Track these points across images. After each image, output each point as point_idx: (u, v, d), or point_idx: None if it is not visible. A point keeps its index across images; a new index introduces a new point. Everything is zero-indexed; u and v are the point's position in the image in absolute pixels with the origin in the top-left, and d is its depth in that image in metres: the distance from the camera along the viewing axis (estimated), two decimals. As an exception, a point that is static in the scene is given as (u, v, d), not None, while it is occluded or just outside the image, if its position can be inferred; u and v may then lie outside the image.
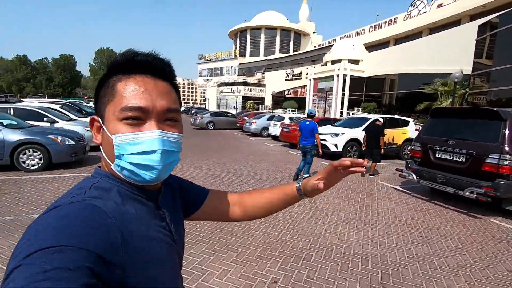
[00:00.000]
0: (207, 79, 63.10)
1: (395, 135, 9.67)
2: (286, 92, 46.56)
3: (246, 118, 17.76)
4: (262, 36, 57.52)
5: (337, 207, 4.88)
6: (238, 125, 19.14)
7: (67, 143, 6.44)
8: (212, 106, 56.05)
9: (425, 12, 30.49)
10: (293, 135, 11.44)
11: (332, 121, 12.09)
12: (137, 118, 0.57)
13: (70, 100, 30.26)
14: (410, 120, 10.36)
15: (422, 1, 31.94)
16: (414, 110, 18.62)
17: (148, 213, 0.62)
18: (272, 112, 35.20)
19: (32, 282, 0.37)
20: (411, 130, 10.06)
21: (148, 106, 0.58)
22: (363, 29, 39.51)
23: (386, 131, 9.74)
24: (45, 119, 8.06)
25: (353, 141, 9.14)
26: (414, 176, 5.33)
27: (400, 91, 28.75)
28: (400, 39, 31.22)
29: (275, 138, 14.14)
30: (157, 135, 0.58)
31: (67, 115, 9.80)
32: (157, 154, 0.58)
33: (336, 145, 9.07)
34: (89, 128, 7.49)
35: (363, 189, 6.19)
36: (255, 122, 15.59)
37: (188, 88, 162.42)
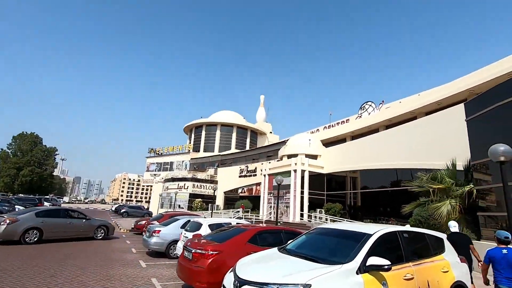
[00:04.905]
0: (155, 174, 56.45)
1: (429, 280, 3.93)
2: (240, 190, 41.22)
3: (155, 223, 11.14)
4: (218, 132, 55.76)
5: None
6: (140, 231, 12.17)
7: None
8: (154, 205, 47.66)
9: (374, 113, 30.37)
10: (196, 269, 5.12)
11: (283, 235, 6.18)
12: None
13: None
14: (443, 237, 4.86)
15: (370, 105, 32.57)
16: (399, 213, 13.74)
17: None
18: (215, 212, 28.26)
19: None
20: (452, 260, 4.47)
21: None
22: (318, 129, 39.03)
23: (403, 270, 4.00)
24: None
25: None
26: None
27: (365, 190, 24.84)
28: (356, 136, 29.61)
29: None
30: None
31: None
32: None
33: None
34: None
35: None
36: (158, 231, 9.03)
37: (139, 185, 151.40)
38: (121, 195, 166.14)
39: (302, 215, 24.65)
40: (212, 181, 46.26)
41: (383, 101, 31.09)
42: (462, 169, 11.81)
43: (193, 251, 5.34)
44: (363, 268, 3.39)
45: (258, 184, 35.72)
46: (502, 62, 17.56)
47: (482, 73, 18.78)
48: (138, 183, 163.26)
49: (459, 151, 11.61)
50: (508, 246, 4.22)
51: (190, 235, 7.64)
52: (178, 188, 43.48)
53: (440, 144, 15.00)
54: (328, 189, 27.17)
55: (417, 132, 17.69)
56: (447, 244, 4.71)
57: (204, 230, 7.71)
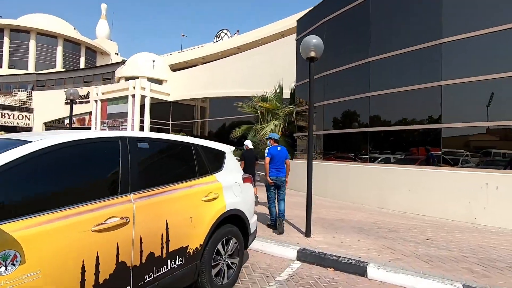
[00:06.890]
0: None
1: (171, 219, 2.21)
2: (67, 121, 32.80)
3: None
4: (33, 43, 40.58)
5: None
6: None
7: None
8: None
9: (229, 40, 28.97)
10: None
11: None
12: None
13: None
14: (226, 150, 3.32)
15: (226, 33, 30.86)
16: (229, 139, 13.09)
17: None
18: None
19: None
20: (229, 182, 2.97)
21: None
22: (171, 54, 34.45)
23: (102, 211, 1.94)
24: None
25: None
26: None
27: (213, 118, 24.14)
28: (208, 63, 27.65)
29: None
30: None
31: None
32: None
33: None
34: None
35: None
36: None
37: None
38: None
39: (140, 146, 21.74)
40: (27, 108, 34.81)
41: (238, 31, 29.86)
42: (289, 96, 11.87)
43: None
44: None
45: (91, 112, 29.17)
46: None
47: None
48: None
49: (290, 78, 11.38)
50: (280, 145, 5.01)
51: None
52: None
53: (277, 71, 14.86)
54: (174, 118, 24.92)
55: (259, 59, 17.30)
56: (229, 160, 3.19)
57: None
